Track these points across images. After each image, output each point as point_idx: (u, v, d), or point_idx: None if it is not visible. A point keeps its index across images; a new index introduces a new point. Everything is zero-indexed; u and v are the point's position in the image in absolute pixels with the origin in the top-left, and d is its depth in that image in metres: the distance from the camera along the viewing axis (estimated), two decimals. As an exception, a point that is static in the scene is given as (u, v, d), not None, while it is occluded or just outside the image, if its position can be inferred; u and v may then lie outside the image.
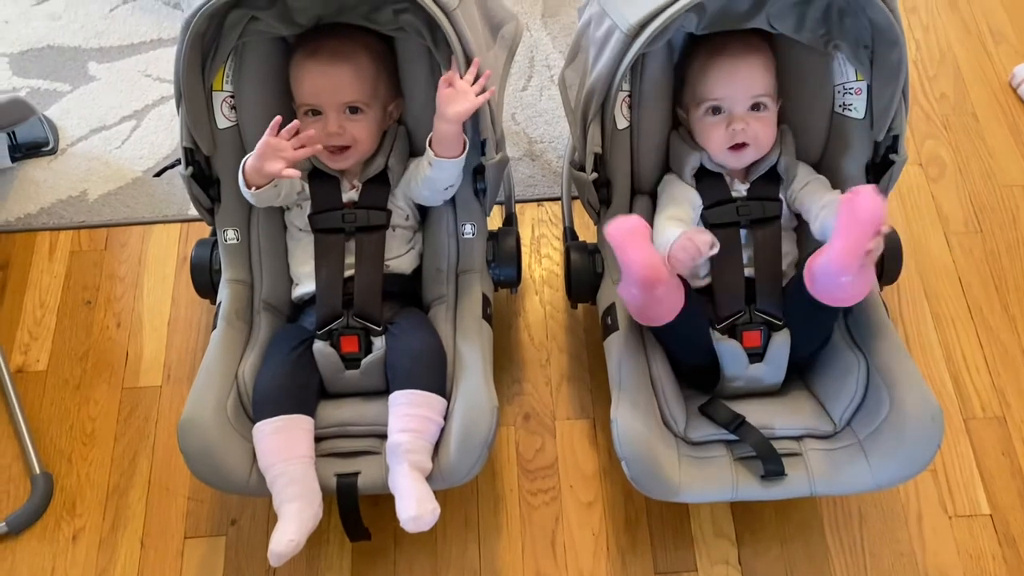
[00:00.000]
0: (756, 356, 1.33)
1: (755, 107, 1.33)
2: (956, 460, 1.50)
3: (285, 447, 1.26)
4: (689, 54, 1.38)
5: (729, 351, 1.32)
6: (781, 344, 1.32)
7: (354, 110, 1.34)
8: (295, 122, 1.28)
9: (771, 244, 1.35)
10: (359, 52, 1.34)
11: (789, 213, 1.40)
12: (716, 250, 1.22)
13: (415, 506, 1.19)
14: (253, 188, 1.32)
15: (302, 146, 1.28)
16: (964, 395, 1.56)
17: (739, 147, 1.34)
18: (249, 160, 1.30)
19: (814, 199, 1.34)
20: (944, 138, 1.87)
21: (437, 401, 1.28)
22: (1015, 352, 1.60)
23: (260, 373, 1.33)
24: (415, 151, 1.44)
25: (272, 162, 1.27)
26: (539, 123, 1.89)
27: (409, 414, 1.26)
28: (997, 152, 1.84)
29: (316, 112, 1.35)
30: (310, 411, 1.31)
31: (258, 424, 1.27)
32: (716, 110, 1.34)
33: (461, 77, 1.27)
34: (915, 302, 1.66)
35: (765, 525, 1.43)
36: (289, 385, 1.31)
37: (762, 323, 1.33)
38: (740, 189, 1.38)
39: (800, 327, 1.33)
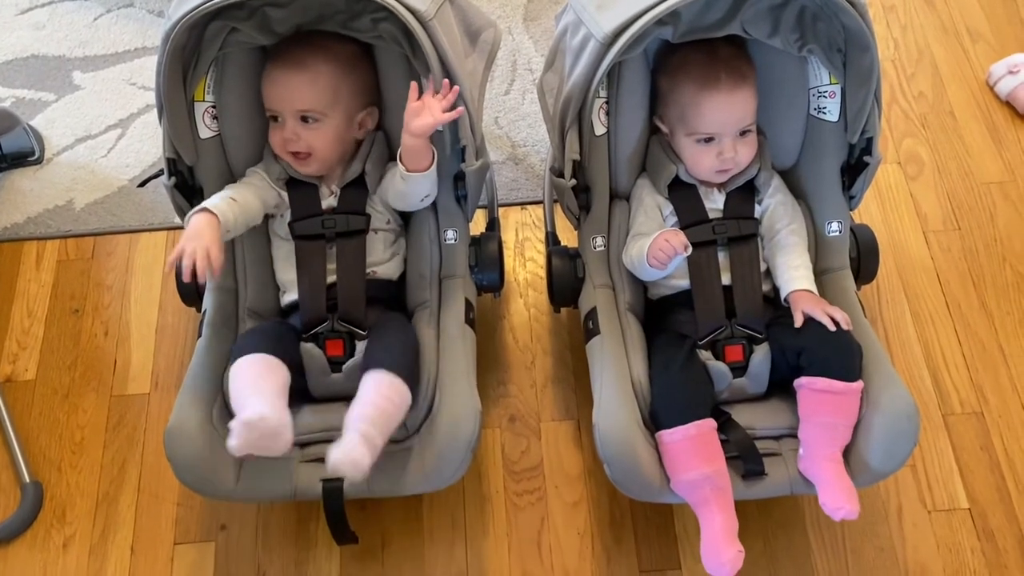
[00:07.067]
0: (739, 370, 1.34)
1: (742, 132, 1.35)
2: (935, 456, 1.52)
3: (260, 378, 1.24)
4: (667, 68, 1.38)
5: (713, 369, 1.33)
6: (762, 359, 1.33)
7: (308, 118, 1.35)
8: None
9: (748, 260, 1.37)
10: (320, 61, 1.34)
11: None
12: (690, 251, 1.28)
13: (342, 453, 1.16)
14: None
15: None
16: (943, 391, 1.58)
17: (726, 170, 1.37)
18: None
19: (782, 254, 1.38)
20: (922, 137, 1.89)
21: (400, 384, 1.25)
22: (993, 348, 1.62)
23: (237, 345, 1.33)
24: (393, 156, 1.45)
25: None
26: (522, 127, 1.90)
27: (371, 391, 1.24)
28: (975, 150, 1.86)
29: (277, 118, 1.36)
30: (287, 358, 1.29)
31: (236, 363, 1.27)
32: (707, 139, 1.35)
33: (436, 90, 1.28)
34: (894, 300, 1.68)
35: (748, 523, 1.44)
36: (268, 339, 1.31)
37: (743, 337, 1.34)
38: (717, 200, 1.40)
39: (778, 341, 1.33)
